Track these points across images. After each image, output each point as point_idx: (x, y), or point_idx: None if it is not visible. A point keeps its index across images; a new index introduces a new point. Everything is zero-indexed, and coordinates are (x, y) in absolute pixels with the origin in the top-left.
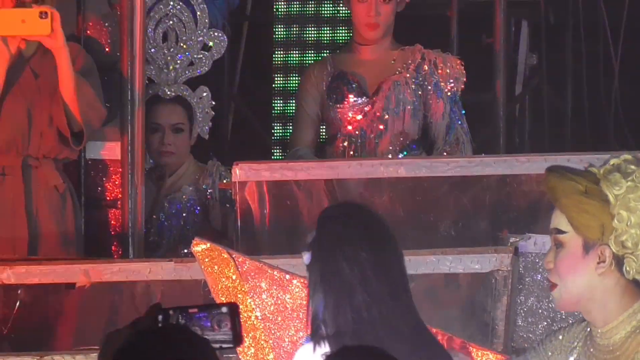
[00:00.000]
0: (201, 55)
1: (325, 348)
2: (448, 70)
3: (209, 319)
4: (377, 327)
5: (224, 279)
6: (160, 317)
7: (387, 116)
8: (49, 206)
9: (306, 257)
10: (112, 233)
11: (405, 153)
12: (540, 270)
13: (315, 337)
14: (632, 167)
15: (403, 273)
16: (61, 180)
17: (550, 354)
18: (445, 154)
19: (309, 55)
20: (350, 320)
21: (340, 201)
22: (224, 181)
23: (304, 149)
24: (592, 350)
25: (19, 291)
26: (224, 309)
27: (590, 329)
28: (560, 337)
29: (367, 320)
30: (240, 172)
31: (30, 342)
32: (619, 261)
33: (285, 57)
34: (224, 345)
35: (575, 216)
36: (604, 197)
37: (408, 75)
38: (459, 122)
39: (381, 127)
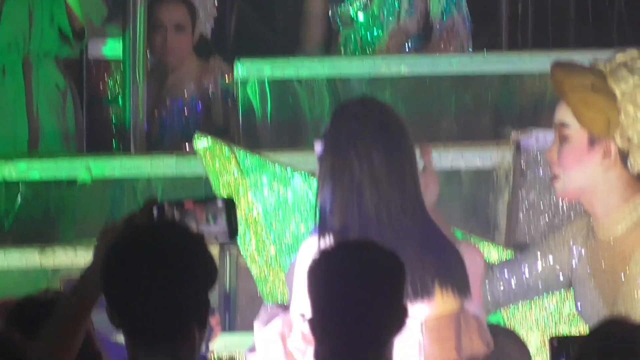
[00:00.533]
0: None
1: (329, 241)
2: None
3: (205, 213)
4: (384, 226)
5: (225, 174)
6: (155, 212)
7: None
8: (50, 104)
9: (318, 147)
10: (114, 130)
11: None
12: (542, 165)
13: (321, 230)
14: (639, 63)
15: (415, 174)
16: (62, 79)
17: (553, 248)
18: (441, 42)
19: None
20: (357, 218)
21: (346, 98)
22: (226, 78)
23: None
24: (593, 243)
25: (20, 186)
26: (220, 203)
27: (593, 225)
28: (564, 232)
29: (375, 219)
30: (242, 69)
31: (32, 237)
32: (623, 156)
33: None
34: (220, 239)
35: (582, 110)
36: (611, 93)
37: None
38: (454, 4)
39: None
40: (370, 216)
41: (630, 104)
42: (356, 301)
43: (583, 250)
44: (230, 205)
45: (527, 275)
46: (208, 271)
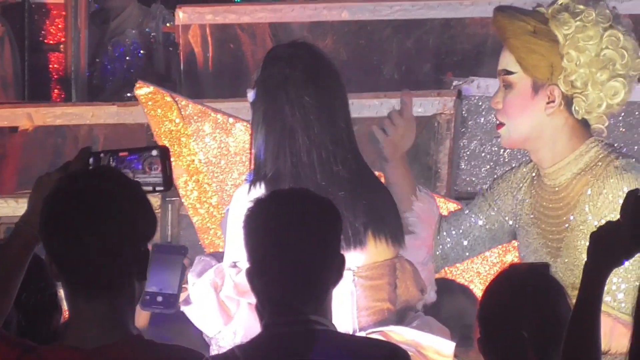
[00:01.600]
0: None
1: (261, 190)
2: None
3: (140, 162)
4: (316, 171)
5: (167, 122)
6: (91, 160)
7: None
8: None
9: (250, 94)
10: (55, 77)
11: None
12: (484, 113)
13: (254, 179)
14: (581, 6)
15: (347, 118)
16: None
17: (497, 197)
18: None
19: None
20: (289, 164)
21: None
22: (168, 24)
23: None
24: (538, 191)
25: None
26: (155, 152)
27: (538, 170)
28: (508, 180)
29: (307, 164)
30: (183, 15)
31: None
32: (568, 101)
33: None
34: (156, 188)
35: (524, 56)
36: (553, 37)
37: None
38: None
39: None
40: (302, 161)
41: (573, 48)
42: (293, 250)
43: (527, 198)
44: (165, 154)
45: (475, 227)
46: (147, 220)
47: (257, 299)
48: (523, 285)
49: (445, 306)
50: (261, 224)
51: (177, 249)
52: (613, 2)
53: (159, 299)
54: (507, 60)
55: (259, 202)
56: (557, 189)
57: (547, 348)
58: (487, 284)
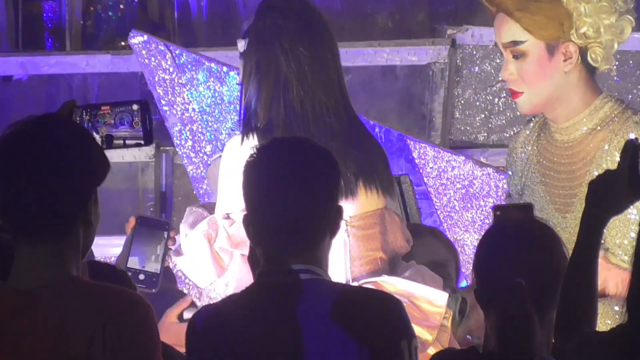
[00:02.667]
0: None
1: (253, 141)
2: None
3: (118, 116)
4: (309, 122)
5: (160, 72)
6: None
7: None
8: None
9: (241, 44)
10: (50, 25)
11: None
12: (478, 62)
13: (245, 129)
14: None
15: (339, 70)
16: None
17: (511, 170)
18: None
19: None
20: (282, 114)
21: None
22: None
23: None
24: (547, 147)
25: None
26: (135, 106)
27: (544, 127)
28: (513, 148)
29: (300, 115)
30: None
31: None
32: (583, 54)
33: None
34: (134, 142)
35: (532, 23)
36: None
37: None
38: None
39: None
40: (295, 112)
41: (577, 1)
42: (292, 199)
43: (532, 156)
44: (145, 108)
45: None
46: (91, 166)
47: (254, 246)
48: (518, 235)
49: (415, 248)
50: (259, 172)
51: (162, 225)
52: None
53: (141, 276)
54: (512, 31)
55: (260, 150)
56: (570, 144)
57: (544, 296)
58: (482, 233)
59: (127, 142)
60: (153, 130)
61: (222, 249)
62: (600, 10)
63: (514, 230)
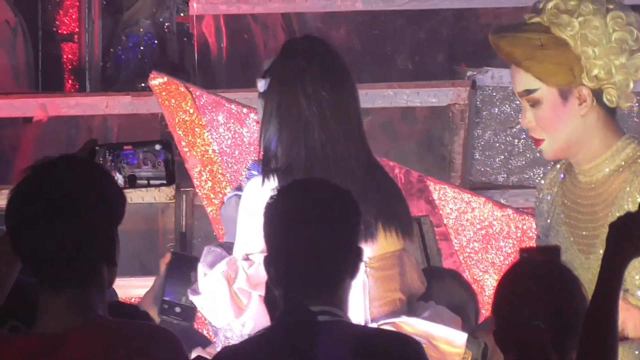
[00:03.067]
0: None
1: (274, 182)
2: None
3: (141, 156)
4: (329, 166)
5: (181, 113)
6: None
7: None
8: None
9: (261, 83)
10: (69, 67)
11: None
12: (498, 103)
13: (265, 171)
14: (572, 2)
15: (359, 115)
16: (12, 14)
17: (538, 212)
18: None
19: None
20: (303, 157)
21: (301, 34)
22: (181, 15)
23: None
24: (571, 188)
25: None
26: (158, 146)
27: (568, 169)
28: (541, 190)
29: (321, 158)
30: (197, 5)
31: None
32: (598, 95)
33: None
34: (157, 182)
35: (541, 70)
36: (562, 42)
37: None
38: None
39: None
40: (316, 155)
41: (585, 45)
42: (314, 240)
43: (558, 198)
44: (167, 148)
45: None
46: (112, 208)
47: (274, 287)
48: (538, 276)
49: (434, 290)
50: (281, 213)
51: (195, 261)
52: None
53: (177, 309)
54: (524, 81)
55: (281, 191)
56: (593, 185)
57: (564, 339)
58: (501, 274)
59: (151, 182)
60: (175, 171)
61: (240, 289)
62: (610, 51)
63: (533, 271)
